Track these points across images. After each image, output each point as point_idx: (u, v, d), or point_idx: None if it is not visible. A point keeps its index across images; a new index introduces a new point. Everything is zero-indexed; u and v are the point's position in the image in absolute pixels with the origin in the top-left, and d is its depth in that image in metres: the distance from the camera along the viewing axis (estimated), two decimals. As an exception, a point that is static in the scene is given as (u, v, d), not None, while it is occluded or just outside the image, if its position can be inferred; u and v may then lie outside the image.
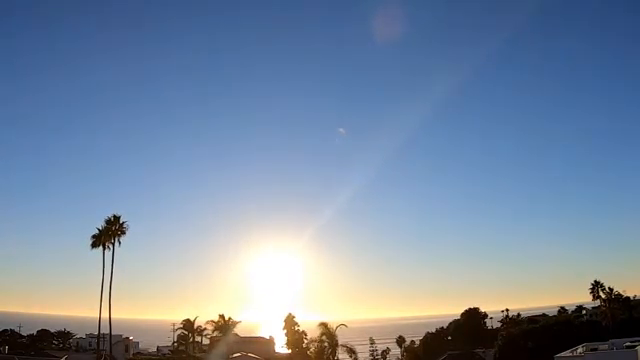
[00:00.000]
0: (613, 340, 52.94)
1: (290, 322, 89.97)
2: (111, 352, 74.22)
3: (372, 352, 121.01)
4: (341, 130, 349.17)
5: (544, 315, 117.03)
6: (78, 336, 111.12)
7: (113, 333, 72.67)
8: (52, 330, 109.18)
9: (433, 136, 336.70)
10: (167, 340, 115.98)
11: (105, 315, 65.99)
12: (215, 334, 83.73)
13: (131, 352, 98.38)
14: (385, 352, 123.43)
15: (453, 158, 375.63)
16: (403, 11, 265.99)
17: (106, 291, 65.40)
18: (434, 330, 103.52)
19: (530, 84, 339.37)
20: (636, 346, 45.66)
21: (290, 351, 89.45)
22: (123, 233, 66.71)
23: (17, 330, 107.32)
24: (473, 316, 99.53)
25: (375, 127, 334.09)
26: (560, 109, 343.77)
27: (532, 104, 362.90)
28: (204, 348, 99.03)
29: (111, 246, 65.77)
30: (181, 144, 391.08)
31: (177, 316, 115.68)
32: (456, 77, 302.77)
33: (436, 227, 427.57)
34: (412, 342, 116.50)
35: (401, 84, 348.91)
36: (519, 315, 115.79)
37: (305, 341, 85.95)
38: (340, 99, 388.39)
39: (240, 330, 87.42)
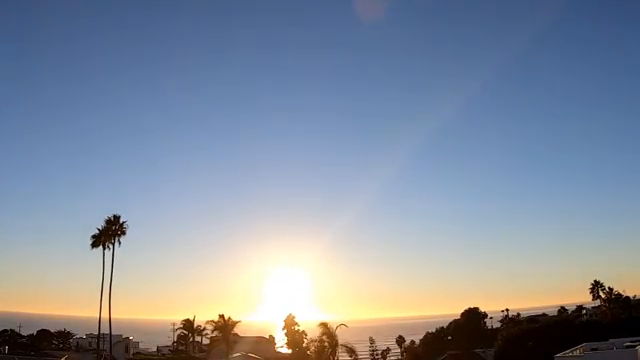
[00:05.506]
0: (613, 340, 52.80)
1: (290, 322, 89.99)
2: (111, 352, 74.30)
3: (372, 352, 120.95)
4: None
5: (544, 315, 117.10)
6: (78, 336, 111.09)
7: (113, 333, 72.77)
8: (52, 330, 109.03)
9: (436, 141, 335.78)
10: (167, 340, 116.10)
11: (105, 315, 66.28)
12: (215, 334, 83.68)
13: (131, 352, 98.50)
14: (385, 352, 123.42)
15: (453, 159, 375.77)
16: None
17: (106, 291, 65.67)
18: (434, 330, 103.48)
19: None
20: (636, 346, 45.54)
21: (290, 351, 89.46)
22: (123, 233, 66.87)
23: (17, 330, 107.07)
24: (473, 316, 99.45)
25: (383, 132, 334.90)
26: (559, 109, 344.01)
27: (528, 105, 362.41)
28: (204, 348, 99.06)
29: (111, 246, 65.95)
30: (181, 144, 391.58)
31: (177, 316, 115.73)
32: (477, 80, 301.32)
33: (436, 227, 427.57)
34: (412, 342, 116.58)
35: (421, 86, 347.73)
36: (519, 315, 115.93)
37: (305, 341, 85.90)
38: (353, 100, 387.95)
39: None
